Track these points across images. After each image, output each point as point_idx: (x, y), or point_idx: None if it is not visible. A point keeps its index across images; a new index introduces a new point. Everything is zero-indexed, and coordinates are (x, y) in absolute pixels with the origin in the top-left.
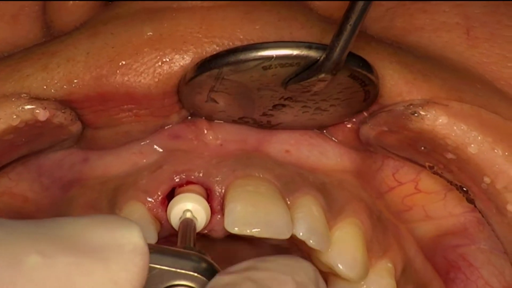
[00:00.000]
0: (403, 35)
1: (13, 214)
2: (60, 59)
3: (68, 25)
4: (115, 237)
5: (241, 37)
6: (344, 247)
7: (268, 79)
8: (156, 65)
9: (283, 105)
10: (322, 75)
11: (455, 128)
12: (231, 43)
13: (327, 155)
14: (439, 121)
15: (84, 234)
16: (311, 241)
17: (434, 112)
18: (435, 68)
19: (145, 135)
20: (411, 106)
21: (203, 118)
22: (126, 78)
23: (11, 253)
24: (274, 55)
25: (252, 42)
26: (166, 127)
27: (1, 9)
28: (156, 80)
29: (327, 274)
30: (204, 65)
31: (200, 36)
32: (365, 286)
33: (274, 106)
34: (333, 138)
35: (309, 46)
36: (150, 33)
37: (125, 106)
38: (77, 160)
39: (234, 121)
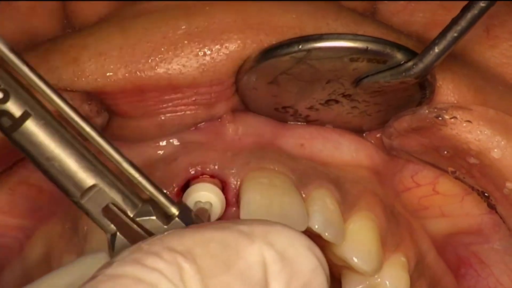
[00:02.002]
0: (424, 31)
1: (29, 203)
2: (92, 52)
3: (90, 18)
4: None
5: (281, 25)
6: (358, 241)
7: (348, 72)
8: (199, 56)
9: (337, 101)
10: (408, 79)
11: (478, 132)
12: (273, 32)
13: (341, 149)
14: (463, 126)
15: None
16: (326, 234)
17: (458, 116)
18: (461, 67)
19: (179, 128)
20: (436, 110)
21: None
22: (167, 71)
23: None
24: (368, 48)
25: (294, 31)
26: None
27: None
28: (201, 70)
29: (340, 268)
30: (290, 45)
31: (238, 26)
32: (379, 280)
33: (327, 101)
34: (372, 141)
35: (399, 46)
36: (185, 27)
37: (166, 97)
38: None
39: (268, 113)
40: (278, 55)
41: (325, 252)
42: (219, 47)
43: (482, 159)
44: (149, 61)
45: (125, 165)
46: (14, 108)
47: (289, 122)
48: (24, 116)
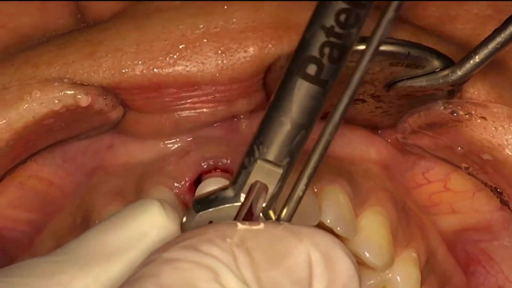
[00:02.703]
0: (437, 25)
1: (39, 198)
2: (108, 48)
3: (103, 13)
4: (136, 229)
5: (299, 22)
6: (370, 236)
7: (384, 75)
8: (218, 55)
9: (363, 101)
10: (444, 85)
11: (493, 129)
12: (292, 30)
13: (352, 145)
14: (477, 122)
15: (102, 244)
16: (338, 229)
17: (473, 112)
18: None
19: (195, 126)
20: (450, 106)
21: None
22: (185, 68)
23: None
24: (410, 54)
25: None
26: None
27: None
28: (220, 68)
29: None
30: None
31: (256, 24)
32: (390, 275)
33: (354, 100)
34: (388, 138)
35: (438, 53)
36: (203, 26)
37: (184, 94)
38: (101, 147)
39: None
40: None
41: None
42: (238, 47)
43: (496, 155)
44: (167, 58)
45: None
46: None
47: None
48: None
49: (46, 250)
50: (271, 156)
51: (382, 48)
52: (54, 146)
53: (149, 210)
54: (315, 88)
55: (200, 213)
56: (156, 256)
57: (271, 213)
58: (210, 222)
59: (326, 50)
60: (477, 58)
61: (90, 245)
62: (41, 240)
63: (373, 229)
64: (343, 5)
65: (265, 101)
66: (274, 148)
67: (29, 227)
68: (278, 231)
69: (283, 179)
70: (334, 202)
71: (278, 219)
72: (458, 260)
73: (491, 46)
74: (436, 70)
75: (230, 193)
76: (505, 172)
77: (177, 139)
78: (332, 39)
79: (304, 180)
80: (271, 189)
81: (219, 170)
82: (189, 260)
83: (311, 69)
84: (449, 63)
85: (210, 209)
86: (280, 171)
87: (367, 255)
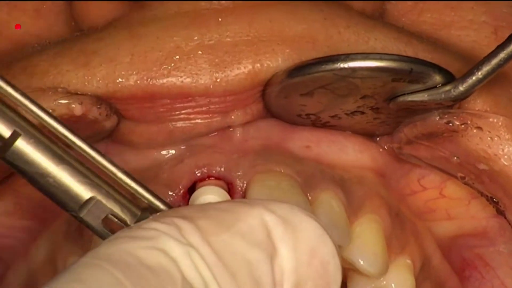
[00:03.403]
0: (432, 31)
1: (34, 205)
2: (102, 58)
3: (97, 21)
4: None
5: (293, 35)
6: (364, 243)
7: (385, 89)
8: (212, 66)
9: (362, 113)
10: (445, 101)
11: (489, 139)
12: (285, 43)
13: (346, 151)
14: (473, 132)
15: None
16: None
17: (469, 122)
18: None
19: (190, 136)
20: (446, 116)
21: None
22: (179, 79)
23: None
24: (412, 70)
25: (306, 40)
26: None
27: (25, 2)
28: (214, 80)
29: (346, 270)
30: (334, 62)
31: (250, 38)
32: (384, 282)
33: (353, 112)
34: (386, 147)
35: (440, 69)
36: (197, 38)
37: (178, 105)
38: None
39: (289, 118)
40: (320, 70)
41: None
42: (232, 60)
43: (492, 165)
44: (161, 69)
45: (120, 175)
46: (2, 129)
47: (297, 125)
48: (14, 136)
49: (42, 257)
50: None
51: (385, 64)
52: None
53: None
54: None
55: None
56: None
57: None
58: None
59: None
60: (479, 74)
61: None
62: (36, 247)
63: (367, 236)
64: None
65: (263, 112)
66: None
67: (25, 234)
68: (226, 203)
69: None
70: (328, 210)
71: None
72: (454, 265)
73: (494, 62)
74: (438, 86)
75: None
76: (501, 182)
77: (171, 148)
78: None
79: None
80: None
81: (213, 178)
82: (129, 236)
83: None
84: (450, 78)
85: None
86: None
87: (361, 262)
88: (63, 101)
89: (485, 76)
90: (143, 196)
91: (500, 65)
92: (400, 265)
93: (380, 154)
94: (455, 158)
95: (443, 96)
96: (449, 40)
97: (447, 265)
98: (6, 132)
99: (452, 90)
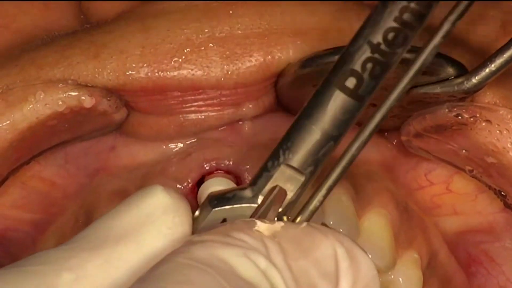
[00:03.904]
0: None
1: (42, 198)
2: (113, 50)
3: (106, 14)
4: (141, 211)
5: (305, 27)
6: (373, 237)
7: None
8: (223, 59)
9: (374, 105)
10: (458, 93)
11: (497, 132)
12: (297, 35)
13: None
14: (482, 125)
15: (111, 228)
16: (341, 230)
17: (477, 115)
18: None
19: (200, 129)
20: (455, 109)
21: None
22: (190, 72)
23: (43, 280)
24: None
25: (318, 33)
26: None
27: None
28: (225, 72)
29: None
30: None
31: (261, 30)
32: (392, 277)
33: None
34: (394, 142)
35: (453, 60)
36: (208, 30)
37: (189, 97)
38: (103, 149)
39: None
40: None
41: None
42: (243, 52)
43: (501, 159)
44: (172, 61)
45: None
46: None
47: None
48: None
49: None
50: (295, 162)
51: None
52: (56, 147)
53: (152, 193)
54: (351, 101)
55: (216, 209)
56: (186, 241)
57: (285, 219)
58: (224, 219)
59: (369, 66)
60: (493, 67)
61: (97, 231)
62: (44, 241)
63: (375, 230)
64: (393, 24)
65: (275, 104)
66: (300, 155)
67: (32, 228)
68: (303, 227)
69: (303, 187)
70: (337, 204)
71: None
72: (460, 261)
73: (507, 54)
74: (450, 78)
75: (248, 193)
76: (509, 175)
77: (180, 141)
78: (376, 55)
79: (323, 192)
80: (290, 196)
81: (222, 172)
82: (219, 241)
83: (351, 82)
84: (463, 70)
85: (227, 206)
86: (302, 178)
87: (369, 256)
88: (73, 93)
89: (498, 69)
90: None
91: None
92: (407, 260)
93: (388, 149)
94: (464, 151)
95: (456, 88)
96: (458, 34)
97: (453, 260)
98: None
99: (465, 82)
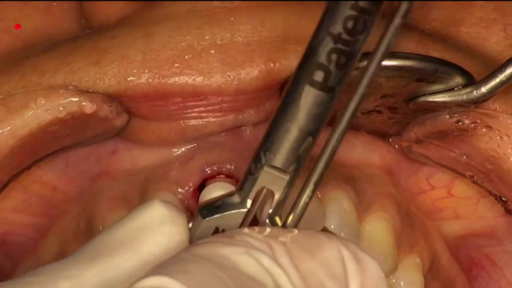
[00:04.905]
0: (441, 28)
1: (43, 202)
2: (114, 56)
3: (108, 19)
4: (139, 222)
5: (306, 34)
6: (374, 241)
7: (408, 89)
8: (224, 66)
9: (379, 112)
10: (467, 102)
11: (498, 138)
12: (298, 43)
13: (355, 149)
14: (482, 131)
15: (109, 240)
16: (342, 234)
17: (478, 121)
18: (479, 67)
19: (202, 135)
20: (456, 115)
21: None
22: (191, 78)
23: None
24: (437, 70)
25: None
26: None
27: None
28: (226, 78)
29: None
30: (360, 60)
31: (262, 37)
32: (393, 281)
33: (370, 111)
34: (396, 146)
35: (462, 70)
36: (209, 37)
37: (190, 103)
38: (104, 153)
39: None
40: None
41: None
42: (245, 59)
43: (501, 164)
44: (173, 67)
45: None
46: None
47: None
48: None
49: (51, 255)
50: (277, 162)
51: (412, 64)
52: (57, 152)
53: (150, 206)
54: (322, 94)
55: (207, 219)
56: (189, 245)
57: (277, 219)
58: (217, 228)
59: (334, 57)
60: (503, 77)
61: (96, 244)
62: (45, 245)
63: (377, 234)
64: (350, 12)
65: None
66: (281, 154)
67: (33, 232)
68: (306, 231)
69: (289, 185)
70: (338, 208)
71: (284, 225)
72: (461, 264)
73: None
74: (459, 87)
75: (236, 199)
76: (510, 181)
77: (181, 146)
78: (339, 45)
79: (310, 187)
80: (278, 195)
81: (223, 176)
82: (222, 242)
83: (318, 75)
84: (471, 79)
85: (217, 215)
86: (286, 177)
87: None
88: (74, 99)
89: (508, 79)
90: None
91: None
92: (409, 264)
93: (390, 153)
94: (464, 157)
95: (465, 97)
96: (459, 37)
97: (455, 264)
98: None
99: (474, 92)
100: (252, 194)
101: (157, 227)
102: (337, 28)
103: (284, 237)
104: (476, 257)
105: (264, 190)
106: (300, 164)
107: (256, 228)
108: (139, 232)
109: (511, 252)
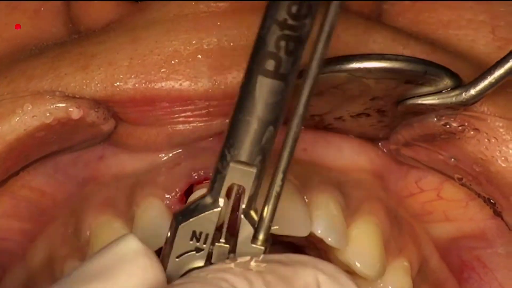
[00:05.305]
0: (430, 31)
1: (32, 207)
2: (101, 61)
3: (95, 23)
4: (114, 254)
5: None
6: (362, 245)
7: (397, 92)
8: (211, 70)
9: (368, 115)
10: (456, 104)
11: (486, 140)
12: None
13: (343, 153)
14: (470, 133)
15: (84, 271)
16: (329, 239)
17: (466, 124)
18: (468, 69)
19: (190, 140)
20: (443, 118)
21: None
22: (178, 83)
23: None
24: (427, 72)
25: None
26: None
27: (25, 3)
28: (213, 83)
29: None
30: (350, 62)
31: (249, 42)
32: (382, 285)
33: (358, 114)
34: (385, 150)
35: (451, 72)
36: (195, 42)
37: (177, 108)
38: (92, 158)
39: None
40: (335, 70)
41: (328, 257)
42: (231, 64)
43: (489, 167)
44: (160, 72)
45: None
46: None
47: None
48: None
49: (39, 260)
50: (242, 157)
51: (401, 66)
52: (45, 157)
53: (124, 240)
54: (277, 83)
55: (182, 224)
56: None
57: (252, 213)
58: (194, 232)
59: (282, 44)
60: (492, 79)
61: (72, 276)
62: (34, 250)
63: (364, 238)
64: None
65: None
66: (245, 148)
67: (22, 237)
68: (283, 258)
69: (258, 178)
70: (325, 212)
71: (260, 218)
72: (452, 267)
73: (507, 66)
74: (447, 89)
75: (208, 200)
76: (498, 183)
77: (168, 151)
78: (286, 32)
79: (279, 176)
80: (248, 190)
81: None
82: (200, 282)
83: (270, 64)
84: (460, 82)
85: (191, 219)
86: (253, 170)
87: (358, 265)
88: (60, 105)
89: (497, 81)
90: None
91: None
92: (397, 267)
93: (378, 156)
94: (452, 160)
95: (454, 99)
96: (447, 40)
97: (445, 267)
98: None
99: (463, 94)
100: (223, 192)
101: (132, 258)
102: (282, 15)
103: (260, 267)
104: (467, 259)
105: (235, 187)
106: (265, 155)
107: (232, 262)
108: (114, 263)
109: (502, 254)
